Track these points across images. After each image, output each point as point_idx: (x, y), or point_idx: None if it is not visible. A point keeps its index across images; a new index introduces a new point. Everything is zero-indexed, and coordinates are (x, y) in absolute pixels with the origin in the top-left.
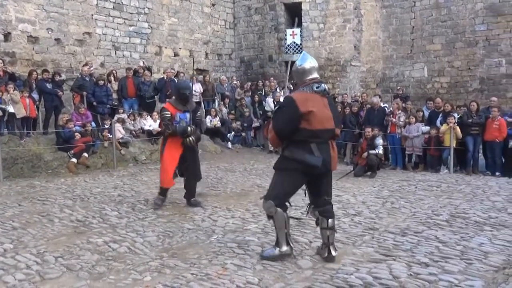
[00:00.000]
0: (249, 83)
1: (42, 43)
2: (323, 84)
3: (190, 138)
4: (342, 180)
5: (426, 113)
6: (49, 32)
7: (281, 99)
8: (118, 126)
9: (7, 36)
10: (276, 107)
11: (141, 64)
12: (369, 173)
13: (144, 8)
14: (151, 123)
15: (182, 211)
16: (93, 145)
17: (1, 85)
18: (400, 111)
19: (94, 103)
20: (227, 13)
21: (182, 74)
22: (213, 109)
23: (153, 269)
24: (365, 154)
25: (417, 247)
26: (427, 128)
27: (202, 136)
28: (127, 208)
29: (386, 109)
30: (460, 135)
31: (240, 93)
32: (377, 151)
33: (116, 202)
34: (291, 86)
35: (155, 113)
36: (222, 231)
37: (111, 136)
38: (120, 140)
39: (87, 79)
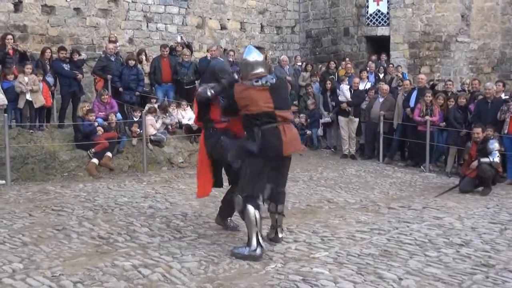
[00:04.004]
0: (318, 65)
1: (59, 14)
2: (263, 79)
3: None
4: (443, 197)
5: None
6: (67, 0)
7: (361, 86)
8: (150, 120)
9: (17, 6)
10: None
11: (179, 40)
12: (480, 188)
13: None
14: (190, 116)
15: (230, 231)
16: (119, 143)
17: (12, 66)
18: None
19: (120, 89)
20: None
21: (231, 53)
22: None
23: None
24: (475, 163)
25: None
26: None
27: None
28: (161, 224)
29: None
30: None
31: (305, 77)
32: (491, 159)
33: (147, 216)
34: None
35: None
36: (281, 259)
37: (141, 131)
38: (151, 137)
39: (113, 59)
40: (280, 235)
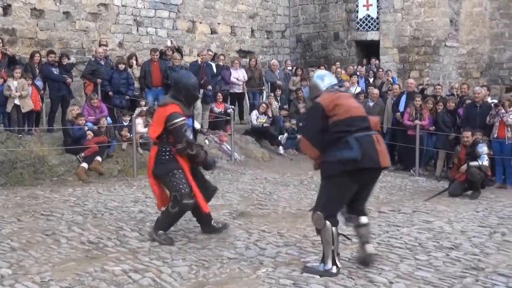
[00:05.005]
0: (308, 69)
1: (48, 17)
2: (342, 88)
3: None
4: (432, 201)
5: None
6: (57, 4)
7: (352, 90)
8: (139, 122)
9: (6, 9)
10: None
11: (169, 44)
12: (469, 192)
13: None
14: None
15: (220, 235)
16: (109, 147)
17: (0, 70)
18: None
19: (110, 93)
20: None
21: (222, 57)
22: (263, 104)
23: None
24: (464, 166)
25: None
26: None
27: (247, 138)
28: (151, 228)
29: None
30: None
31: (295, 82)
32: (480, 163)
33: (137, 221)
34: None
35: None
36: (272, 263)
37: (131, 135)
38: (141, 140)
39: (102, 63)
40: (370, 251)
